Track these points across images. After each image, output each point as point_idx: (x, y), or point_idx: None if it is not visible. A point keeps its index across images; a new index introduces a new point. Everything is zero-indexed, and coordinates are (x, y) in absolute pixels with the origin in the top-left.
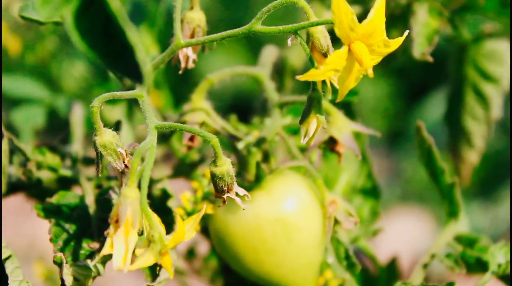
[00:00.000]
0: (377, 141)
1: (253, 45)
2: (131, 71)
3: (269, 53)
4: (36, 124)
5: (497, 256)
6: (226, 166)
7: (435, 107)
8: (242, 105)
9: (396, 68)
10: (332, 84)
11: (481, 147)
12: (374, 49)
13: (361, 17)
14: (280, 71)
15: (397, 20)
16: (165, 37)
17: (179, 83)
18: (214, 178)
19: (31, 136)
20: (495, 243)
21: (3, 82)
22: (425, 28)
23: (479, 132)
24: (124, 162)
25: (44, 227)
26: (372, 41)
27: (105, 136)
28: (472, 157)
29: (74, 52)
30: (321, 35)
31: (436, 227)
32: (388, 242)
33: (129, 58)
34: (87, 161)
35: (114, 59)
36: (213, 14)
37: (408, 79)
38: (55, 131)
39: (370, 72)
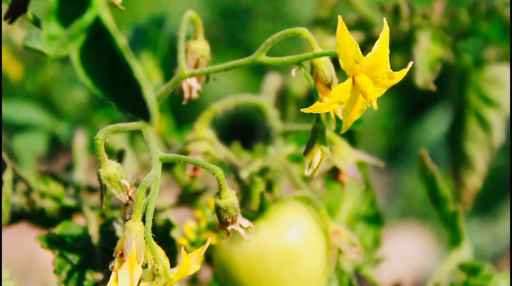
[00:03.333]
0: (376, 158)
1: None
2: (138, 109)
3: (273, 81)
4: (37, 150)
5: (500, 284)
6: (230, 198)
7: (434, 123)
8: (243, 120)
9: (395, 84)
10: (336, 115)
11: (483, 171)
12: (379, 81)
13: (364, 44)
14: (283, 98)
15: (399, 46)
16: (167, 63)
17: (180, 106)
18: (218, 210)
19: (33, 163)
20: (496, 263)
21: (3, 108)
22: (428, 56)
23: (481, 156)
24: (128, 194)
25: None
26: (376, 73)
27: (109, 168)
28: (474, 181)
29: (75, 77)
30: (325, 66)
31: (437, 244)
32: (388, 260)
33: (136, 96)
34: (90, 189)
35: (120, 96)
36: (212, 30)
37: (408, 95)
38: (57, 157)
39: (375, 105)
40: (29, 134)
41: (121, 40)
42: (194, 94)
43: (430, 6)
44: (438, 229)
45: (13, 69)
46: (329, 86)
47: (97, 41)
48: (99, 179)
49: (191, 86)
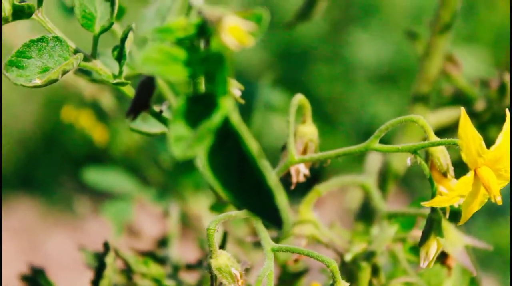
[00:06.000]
0: None
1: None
2: (269, 215)
3: (374, 160)
4: (126, 218)
5: None
6: None
7: None
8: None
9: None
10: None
11: None
12: (501, 174)
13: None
14: (382, 175)
15: (500, 120)
16: (259, 135)
17: None
18: None
19: (123, 231)
20: None
21: (91, 174)
22: None
23: None
24: (238, 283)
25: None
26: (499, 166)
27: (220, 259)
28: None
29: (159, 141)
30: (441, 154)
31: None
32: None
33: (267, 201)
34: (189, 267)
35: (248, 200)
36: (269, 72)
37: None
38: (143, 221)
39: (499, 200)
40: (117, 202)
41: (252, 144)
42: (302, 179)
43: None
44: (500, 278)
45: (99, 133)
46: (444, 174)
47: (225, 143)
48: (210, 269)
49: (299, 171)
